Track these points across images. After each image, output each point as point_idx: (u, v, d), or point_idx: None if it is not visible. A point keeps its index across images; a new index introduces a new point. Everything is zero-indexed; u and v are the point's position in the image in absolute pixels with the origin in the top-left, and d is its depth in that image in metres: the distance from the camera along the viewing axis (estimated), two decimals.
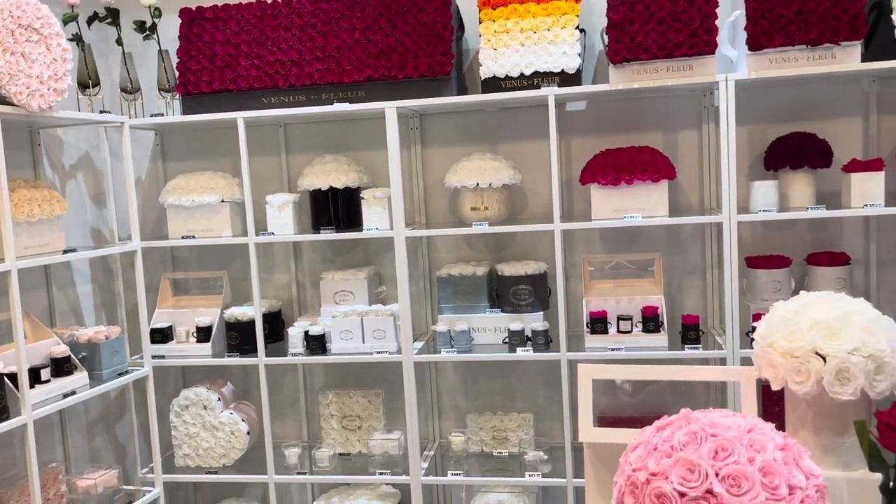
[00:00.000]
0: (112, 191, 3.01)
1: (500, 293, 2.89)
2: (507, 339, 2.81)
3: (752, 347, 2.54)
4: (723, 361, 2.62)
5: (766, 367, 1.19)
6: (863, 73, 2.55)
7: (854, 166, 2.53)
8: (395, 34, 2.72)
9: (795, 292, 2.74)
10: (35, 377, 2.37)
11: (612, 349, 2.67)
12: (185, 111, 2.87)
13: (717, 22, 2.47)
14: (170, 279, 3.16)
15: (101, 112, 2.75)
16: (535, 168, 2.97)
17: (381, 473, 2.88)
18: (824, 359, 1.12)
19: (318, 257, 3.20)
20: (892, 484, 1.06)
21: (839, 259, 2.70)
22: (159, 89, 2.93)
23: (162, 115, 2.92)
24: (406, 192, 3.01)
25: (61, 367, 2.48)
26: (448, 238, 3.09)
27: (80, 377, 2.52)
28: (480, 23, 2.69)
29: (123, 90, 2.88)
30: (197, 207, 2.89)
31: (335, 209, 2.90)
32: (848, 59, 2.41)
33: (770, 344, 1.18)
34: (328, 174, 2.86)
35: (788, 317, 1.19)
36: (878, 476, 1.14)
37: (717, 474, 0.99)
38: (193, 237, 2.90)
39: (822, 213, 2.52)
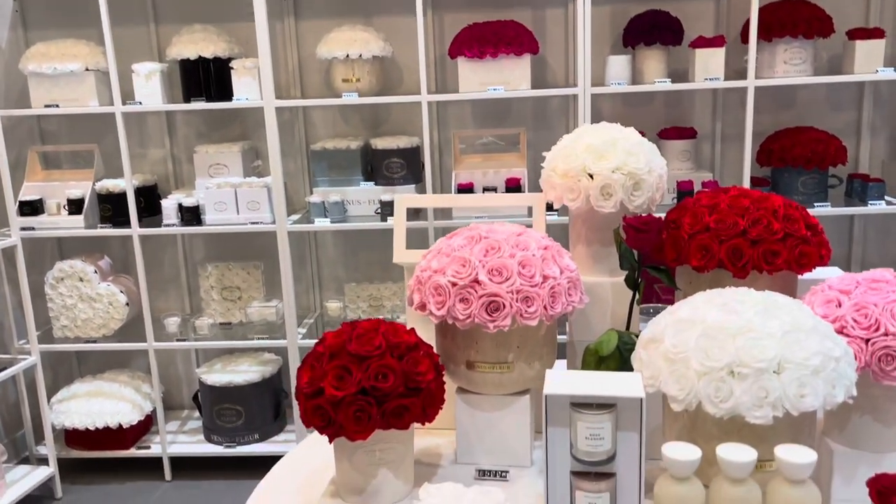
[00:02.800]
0: None
1: (374, 166, 2.99)
2: (378, 210, 2.93)
3: None
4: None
5: (548, 188, 1.34)
6: None
7: (699, 42, 2.69)
8: None
9: None
10: None
11: (477, 217, 2.83)
12: None
13: None
14: (38, 153, 3.10)
15: None
16: (410, 43, 3.00)
17: (259, 339, 3.01)
18: (592, 177, 1.27)
19: (193, 132, 3.19)
20: (635, 276, 1.24)
21: (686, 133, 2.91)
22: None
23: None
24: (280, 64, 3.02)
25: None
26: (324, 113, 3.13)
27: None
28: None
29: None
30: (60, 76, 2.82)
31: (206, 80, 2.89)
32: None
33: (552, 168, 1.33)
34: (196, 43, 2.83)
35: (567, 143, 1.33)
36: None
37: (483, 266, 1.14)
38: (57, 106, 2.84)
39: (667, 86, 2.69)
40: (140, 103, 2.82)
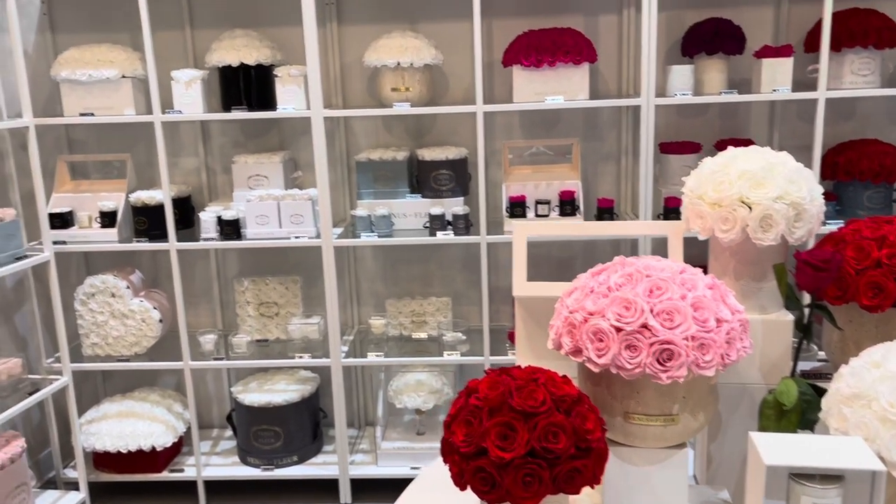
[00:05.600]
0: None
1: (421, 178, 2.87)
2: (427, 224, 2.81)
3: None
4: (635, 243, 2.72)
5: (694, 218, 1.23)
6: None
7: (765, 52, 2.60)
8: None
9: None
10: None
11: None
12: None
13: None
14: (67, 162, 2.96)
15: None
16: (455, 50, 2.90)
17: (300, 357, 2.88)
18: (750, 207, 1.17)
19: (229, 141, 3.06)
20: (806, 320, 1.14)
21: (745, 145, 2.80)
22: None
23: None
24: (322, 71, 2.89)
25: None
26: (366, 122, 3.01)
27: None
28: None
29: None
30: (95, 83, 2.68)
31: (247, 88, 2.76)
32: None
33: (699, 196, 1.22)
34: (238, 49, 2.70)
35: (717, 169, 1.22)
36: (790, 317, 1.23)
37: (651, 310, 1.03)
38: (92, 115, 2.70)
39: (735, 97, 2.60)
40: (180, 112, 2.69)
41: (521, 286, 1.31)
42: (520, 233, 1.32)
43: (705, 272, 1.20)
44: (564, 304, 1.13)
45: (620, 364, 1.03)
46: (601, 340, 1.04)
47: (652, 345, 1.02)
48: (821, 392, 1.05)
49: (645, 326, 1.02)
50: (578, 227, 1.40)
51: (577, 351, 1.08)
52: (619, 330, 1.03)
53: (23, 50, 2.53)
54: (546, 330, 1.17)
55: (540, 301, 1.32)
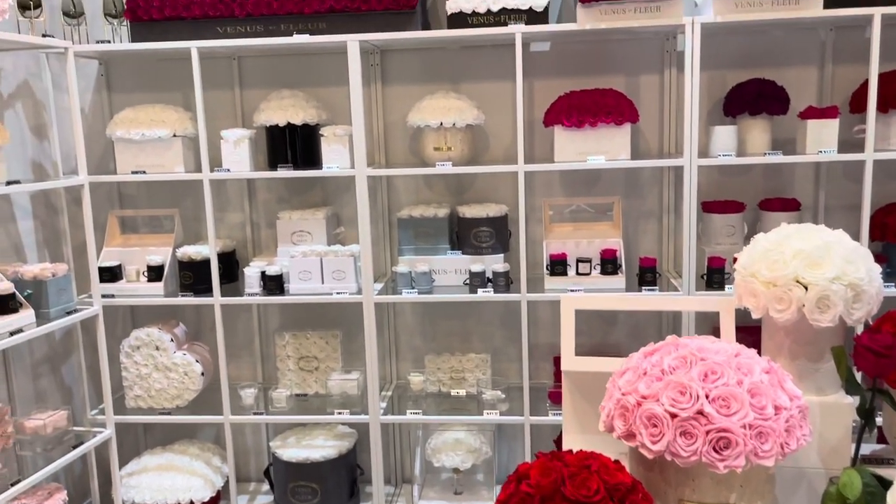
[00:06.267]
0: (55, 122, 2.84)
1: (461, 235, 2.89)
2: (468, 281, 2.81)
3: (707, 290, 2.63)
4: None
5: (748, 296, 1.21)
6: (821, 21, 2.59)
7: (810, 113, 2.58)
8: None
9: (748, 237, 2.81)
10: None
11: (572, 290, 2.71)
12: (133, 39, 2.72)
13: None
14: (118, 217, 3.04)
15: (44, 35, 2.57)
16: (496, 109, 2.94)
17: (339, 413, 2.88)
18: (806, 287, 1.15)
19: (274, 196, 3.12)
20: (867, 405, 1.11)
21: (791, 205, 2.78)
22: (105, 14, 2.76)
23: (108, 41, 2.76)
24: (365, 129, 2.95)
25: (6, 304, 2.36)
26: (408, 178, 3.05)
27: (27, 315, 2.41)
28: None
29: (66, 13, 2.70)
30: (147, 141, 2.77)
31: (293, 146, 2.82)
32: (810, 5, 2.44)
33: (753, 274, 1.21)
34: (286, 109, 2.77)
35: (771, 247, 1.21)
36: (849, 400, 1.20)
37: (707, 396, 1.01)
38: (144, 172, 2.78)
39: (780, 158, 2.58)
40: (228, 170, 2.75)
41: (570, 360, 1.30)
42: (568, 305, 1.31)
43: (757, 345, 1.18)
44: (616, 384, 1.11)
45: (675, 451, 1.01)
46: (655, 426, 1.03)
47: (708, 432, 0.99)
48: (886, 483, 1.01)
49: (701, 413, 1.01)
50: (626, 301, 1.38)
51: (630, 435, 1.06)
52: (673, 416, 1.01)
53: (80, 108, 2.63)
54: (594, 405, 1.16)
55: (589, 375, 1.31)
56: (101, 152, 3.07)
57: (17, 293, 2.40)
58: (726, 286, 2.63)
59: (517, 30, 2.54)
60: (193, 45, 2.61)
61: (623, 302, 1.40)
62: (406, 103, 2.88)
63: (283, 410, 2.94)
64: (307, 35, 2.62)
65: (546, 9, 2.58)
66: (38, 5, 2.56)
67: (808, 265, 1.15)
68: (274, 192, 3.11)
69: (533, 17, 2.57)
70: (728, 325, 1.24)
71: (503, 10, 2.57)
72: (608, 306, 1.46)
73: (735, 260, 2.58)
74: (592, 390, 1.25)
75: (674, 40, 2.82)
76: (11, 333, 2.32)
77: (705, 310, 1.60)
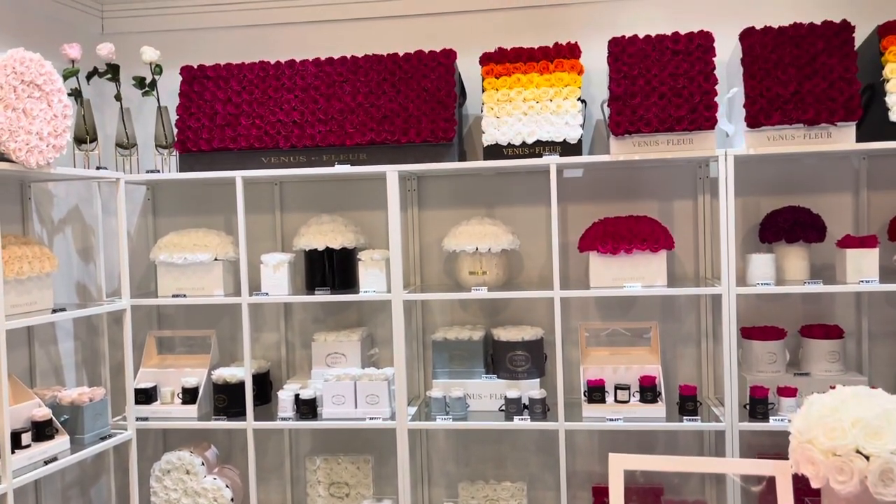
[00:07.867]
0: (102, 246, 2.93)
1: (496, 358, 2.86)
2: (503, 407, 2.77)
3: (751, 419, 2.55)
4: (721, 434, 2.60)
5: (805, 463, 1.17)
6: (854, 151, 2.62)
7: (849, 242, 2.57)
8: (398, 99, 2.74)
9: (790, 364, 2.75)
10: (16, 442, 2.26)
11: (611, 419, 2.64)
12: (182, 168, 2.83)
13: (715, 98, 2.53)
14: (156, 337, 3.07)
15: (98, 168, 2.70)
16: (530, 232, 2.97)
17: None
18: (867, 457, 1.11)
19: (310, 317, 3.15)
20: None
21: (833, 332, 2.73)
22: (156, 145, 2.89)
23: (158, 171, 2.88)
24: (402, 252, 2.99)
25: (42, 431, 2.37)
26: (443, 301, 3.06)
27: (62, 442, 2.41)
28: (483, 91, 2.72)
29: (119, 145, 2.84)
30: (189, 265, 2.83)
31: (330, 269, 2.86)
32: (843, 138, 2.48)
33: (809, 440, 1.17)
34: (325, 234, 2.83)
35: (827, 413, 1.18)
36: None
37: None
38: (184, 296, 2.83)
39: (820, 287, 2.55)
40: (266, 294, 2.79)
41: None
42: (616, 465, 1.28)
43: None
44: None
45: None
46: None
47: None
48: None
49: None
50: (677, 462, 1.34)
51: None
52: None
53: (126, 230, 2.72)
54: None
55: None
56: (143, 272, 3.14)
57: (53, 419, 2.41)
58: (770, 418, 2.56)
59: (552, 161, 2.60)
60: (238, 175, 2.71)
61: (674, 463, 1.36)
62: (442, 226, 2.93)
63: None
64: (348, 166, 2.71)
65: (580, 140, 2.65)
66: (93, 139, 2.70)
67: (869, 435, 1.11)
68: (310, 312, 3.14)
69: (567, 148, 2.64)
70: (785, 490, 1.20)
71: (538, 143, 2.64)
72: (659, 467, 1.42)
73: (779, 390, 2.51)
74: None
75: (706, 167, 2.86)
76: (46, 462, 2.31)
77: (760, 473, 1.54)
